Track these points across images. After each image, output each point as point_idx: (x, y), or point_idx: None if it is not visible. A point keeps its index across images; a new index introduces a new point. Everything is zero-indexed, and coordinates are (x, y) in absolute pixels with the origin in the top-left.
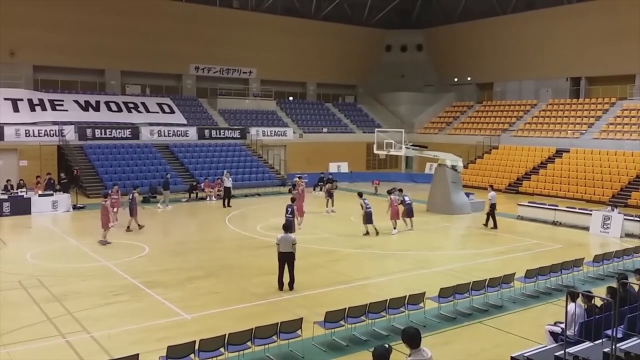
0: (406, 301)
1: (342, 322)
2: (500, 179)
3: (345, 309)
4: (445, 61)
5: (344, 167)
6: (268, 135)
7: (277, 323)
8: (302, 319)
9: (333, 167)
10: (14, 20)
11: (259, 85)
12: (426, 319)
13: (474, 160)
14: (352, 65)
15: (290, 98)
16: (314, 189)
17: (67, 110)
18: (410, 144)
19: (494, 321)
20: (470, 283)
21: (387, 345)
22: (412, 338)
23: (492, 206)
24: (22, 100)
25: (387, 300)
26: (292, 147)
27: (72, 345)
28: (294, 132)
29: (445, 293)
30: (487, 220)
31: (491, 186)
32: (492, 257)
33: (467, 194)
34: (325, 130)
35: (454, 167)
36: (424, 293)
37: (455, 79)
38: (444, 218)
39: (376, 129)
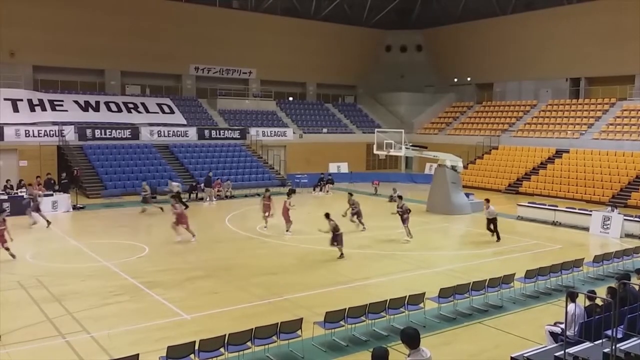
0: (406, 301)
1: (342, 323)
2: (500, 180)
3: (345, 309)
4: (445, 62)
5: (344, 168)
6: (268, 136)
7: (277, 323)
8: (302, 319)
9: (333, 168)
10: (14, 20)
11: (258, 86)
12: (426, 319)
13: (473, 160)
14: (351, 65)
15: (290, 98)
16: (314, 190)
17: (67, 111)
18: (410, 144)
19: (493, 321)
20: (470, 283)
21: (385, 347)
22: (411, 338)
23: (492, 220)
24: (22, 100)
25: (387, 300)
26: (291, 148)
27: (72, 345)
28: (293, 133)
29: (445, 293)
30: (496, 234)
31: (488, 200)
32: (492, 257)
33: (467, 195)
34: (325, 130)
35: (453, 168)
36: (424, 293)
37: (455, 80)
38: (444, 218)
39: (376, 130)
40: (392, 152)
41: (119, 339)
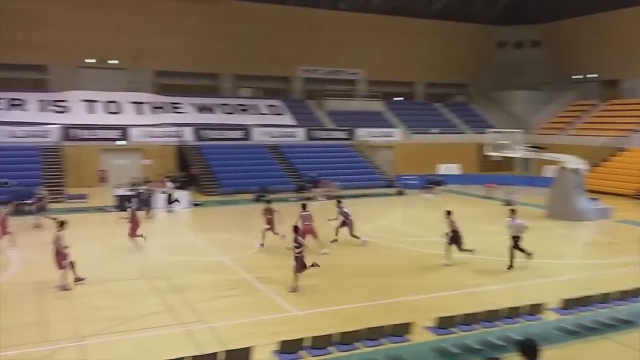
0: (523, 311)
1: (453, 329)
2: (628, 184)
3: (458, 315)
4: (565, 57)
5: (455, 169)
6: (375, 136)
7: (387, 326)
8: (412, 323)
9: (443, 169)
10: (138, 29)
11: (366, 86)
12: (546, 331)
13: (598, 163)
14: (462, 63)
15: (398, 98)
16: (423, 191)
17: (185, 113)
18: (527, 145)
19: (624, 337)
20: (596, 295)
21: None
22: (530, 350)
23: (517, 238)
24: (145, 103)
25: (502, 309)
26: (399, 148)
27: (190, 334)
28: (401, 133)
29: (568, 305)
30: (512, 259)
31: (513, 210)
32: (620, 268)
33: (592, 200)
34: (434, 131)
35: (576, 171)
36: (544, 304)
37: (576, 76)
38: (565, 225)
39: (489, 130)
40: (507, 154)
41: (233, 331)
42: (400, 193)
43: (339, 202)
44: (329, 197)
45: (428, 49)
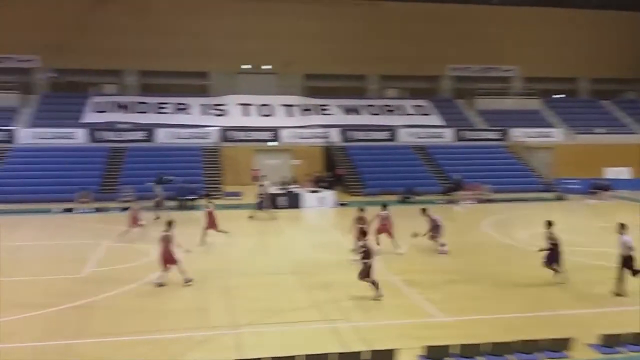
0: None
1: (620, 349)
2: None
3: (627, 333)
4: None
5: (625, 173)
6: (532, 137)
7: (544, 339)
8: (572, 338)
9: (610, 173)
10: (288, 35)
11: (521, 83)
12: None
13: None
14: (633, 56)
15: (559, 96)
16: (587, 197)
17: (332, 114)
18: None
19: None
20: None
21: None
22: None
23: (628, 258)
24: (295, 105)
25: None
26: (560, 150)
27: (335, 331)
28: (562, 133)
29: None
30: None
31: (623, 225)
32: None
33: None
34: (600, 130)
35: None
36: None
37: None
38: None
39: None
40: None
41: (378, 331)
42: (560, 198)
43: (424, 210)
44: (480, 201)
45: (592, 41)
